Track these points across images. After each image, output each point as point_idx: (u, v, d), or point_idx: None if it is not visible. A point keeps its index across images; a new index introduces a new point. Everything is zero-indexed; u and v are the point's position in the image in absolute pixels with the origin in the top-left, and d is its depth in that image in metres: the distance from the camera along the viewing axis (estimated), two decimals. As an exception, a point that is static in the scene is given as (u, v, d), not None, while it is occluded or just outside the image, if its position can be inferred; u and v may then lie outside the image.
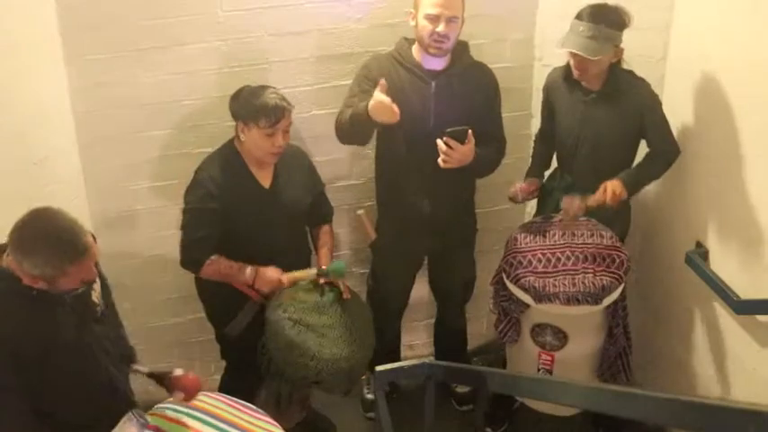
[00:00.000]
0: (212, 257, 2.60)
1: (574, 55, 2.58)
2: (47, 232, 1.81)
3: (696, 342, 2.89)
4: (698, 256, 2.73)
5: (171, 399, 2.12)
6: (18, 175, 2.41)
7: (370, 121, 2.58)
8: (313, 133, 2.98)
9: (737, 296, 2.53)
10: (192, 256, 2.62)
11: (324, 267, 2.69)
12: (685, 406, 1.26)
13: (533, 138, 3.06)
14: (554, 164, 2.98)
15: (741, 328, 2.60)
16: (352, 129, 2.68)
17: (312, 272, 2.68)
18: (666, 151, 2.73)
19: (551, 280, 2.57)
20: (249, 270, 2.59)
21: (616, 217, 2.79)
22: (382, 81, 2.55)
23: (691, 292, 2.87)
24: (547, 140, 2.94)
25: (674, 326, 3.00)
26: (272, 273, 2.60)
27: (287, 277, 2.63)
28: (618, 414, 1.51)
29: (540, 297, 2.55)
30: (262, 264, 2.61)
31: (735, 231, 2.60)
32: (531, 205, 3.22)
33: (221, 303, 2.72)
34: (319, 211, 2.85)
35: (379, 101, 2.51)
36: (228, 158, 2.61)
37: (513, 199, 2.88)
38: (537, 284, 2.56)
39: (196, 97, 2.87)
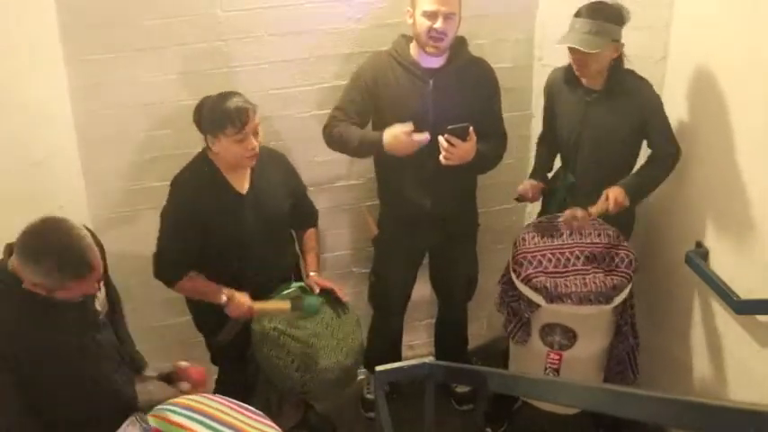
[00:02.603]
0: (191, 274, 2.56)
1: (573, 51, 2.58)
2: (53, 245, 1.80)
3: (696, 342, 2.89)
4: (698, 256, 2.73)
5: (173, 398, 2.12)
6: (18, 175, 2.41)
7: (381, 150, 2.64)
8: (313, 133, 2.97)
9: (737, 296, 2.53)
10: (165, 269, 2.59)
11: (296, 296, 2.62)
12: (685, 406, 1.26)
13: (534, 138, 3.06)
14: (558, 163, 2.97)
15: (741, 328, 2.60)
16: (356, 152, 2.77)
17: (286, 306, 2.59)
18: (668, 154, 2.73)
19: (562, 280, 2.56)
20: (224, 295, 2.53)
21: (619, 217, 2.78)
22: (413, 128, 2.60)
23: (691, 292, 2.87)
24: (548, 142, 2.94)
25: (674, 326, 3.00)
26: (243, 303, 2.54)
27: (257, 307, 2.57)
28: (618, 414, 1.51)
29: (552, 297, 2.54)
30: (246, 273, 2.59)
31: (735, 231, 2.60)
32: (533, 205, 3.22)
33: (209, 312, 2.68)
34: (303, 214, 2.80)
35: (405, 139, 2.58)
36: (202, 168, 2.55)
37: (523, 197, 2.85)
38: (548, 284, 2.55)
39: (196, 97, 2.86)
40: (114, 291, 2.24)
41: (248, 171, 2.59)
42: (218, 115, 2.43)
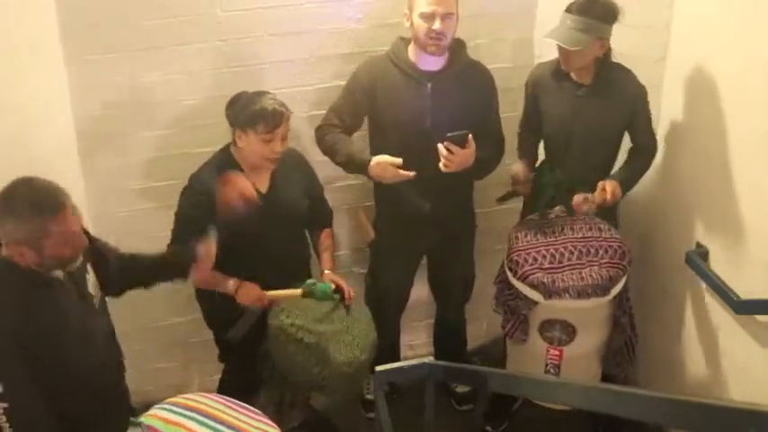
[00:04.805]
0: None
1: (558, 46, 2.61)
2: (21, 190, 1.87)
3: (696, 342, 2.89)
4: (698, 256, 2.73)
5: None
6: (18, 175, 2.40)
7: (365, 173, 2.70)
8: (313, 133, 2.98)
9: (737, 296, 2.53)
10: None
11: (311, 284, 2.63)
12: (685, 406, 1.26)
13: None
14: (541, 157, 2.98)
15: (741, 328, 2.60)
16: (341, 166, 2.79)
17: (297, 292, 2.62)
18: (650, 146, 2.78)
19: (559, 275, 2.58)
20: (231, 283, 2.58)
21: (604, 215, 2.80)
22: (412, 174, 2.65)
23: (691, 292, 2.87)
24: (532, 129, 2.94)
25: (674, 326, 3.00)
26: (253, 289, 2.59)
27: (269, 296, 2.60)
28: (618, 414, 1.51)
29: (551, 293, 2.55)
30: (260, 270, 2.59)
31: (735, 231, 2.59)
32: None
33: (221, 308, 2.70)
34: (319, 215, 2.84)
35: (392, 171, 2.63)
36: (223, 164, 2.57)
37: (514, 179, 2.86)
38: (546, 280, 2.56)
39: (196, 97, 2.87)
40: (99, 242, 2.24)
41: (269, 171, 2.62)
42: (254, 111, 2.47)
